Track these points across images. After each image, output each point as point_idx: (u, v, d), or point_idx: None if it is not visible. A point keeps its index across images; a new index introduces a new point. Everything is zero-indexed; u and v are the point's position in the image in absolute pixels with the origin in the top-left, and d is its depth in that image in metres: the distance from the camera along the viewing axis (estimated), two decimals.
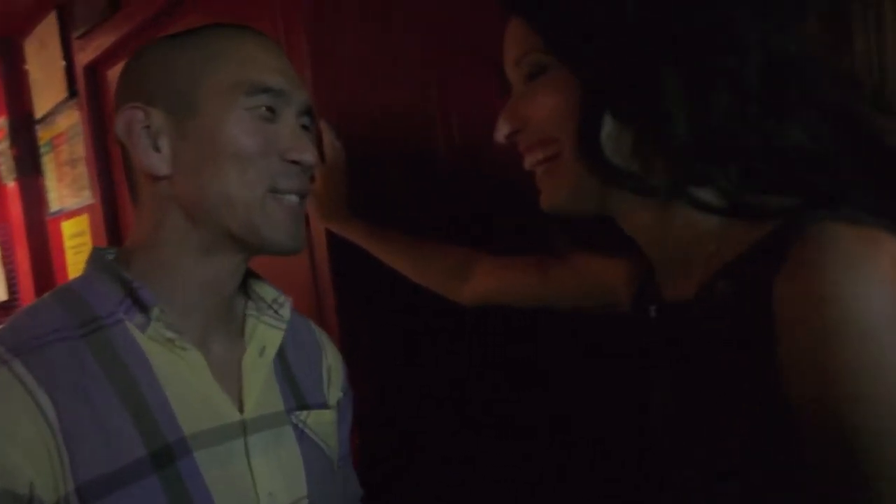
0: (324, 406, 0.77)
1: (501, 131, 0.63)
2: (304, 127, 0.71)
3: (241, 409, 0.67)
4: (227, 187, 0.65)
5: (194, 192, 0.65)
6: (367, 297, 1.07)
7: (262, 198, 0.66)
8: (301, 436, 0.72)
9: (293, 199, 0.68)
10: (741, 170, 0.55)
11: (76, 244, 1.99)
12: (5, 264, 2.36)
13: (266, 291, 0.76)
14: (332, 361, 0.83)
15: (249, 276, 0.76)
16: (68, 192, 2.00)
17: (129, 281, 0.64)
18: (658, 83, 0.54)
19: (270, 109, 0.67)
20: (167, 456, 0.61)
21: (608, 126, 0.56)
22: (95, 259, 0.68)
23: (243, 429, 0.67)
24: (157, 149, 0.65)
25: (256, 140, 0.65)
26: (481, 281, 0.90)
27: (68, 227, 2.03)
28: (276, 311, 0.75)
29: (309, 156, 0.68)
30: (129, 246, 0.69)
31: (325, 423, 0.77)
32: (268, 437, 0.69)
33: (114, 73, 1.71)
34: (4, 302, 2.36)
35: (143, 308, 0.64)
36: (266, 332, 0.73)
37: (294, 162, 0.67)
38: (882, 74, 0.79)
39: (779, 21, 0.57)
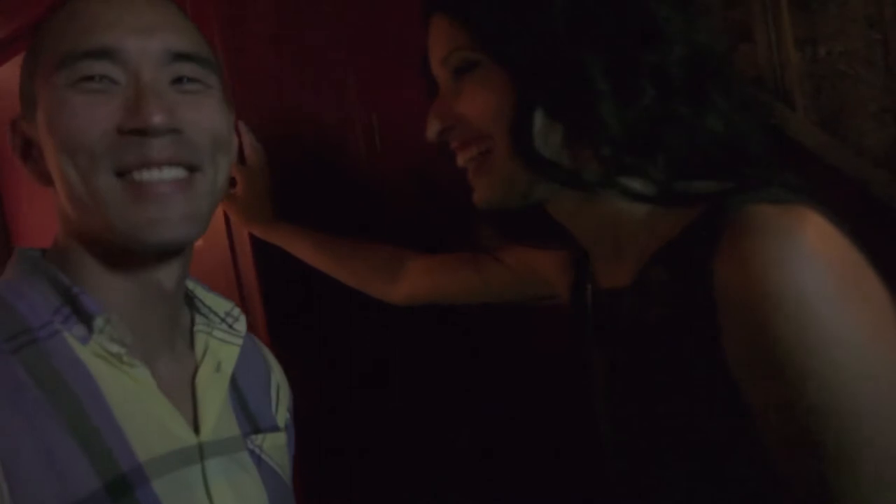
0: (275, 429, 0.72)
1: (432, 129, 0.63)
2: (181, 80, 0.58)
3: (196, 431, 0.61)
4: (69, 185, 0.56)
5: (62, 202, 0.58)
6: (298, 304, 1.04)
7: (112, 188, 0.55)
8: (259, 462, 0.66)
9: (149, 175, 0.55)
10: (667, 159, 0.58)
11: None
12: None
13: (217, 304, 0.69)
14: (279, 380, 0.77)
15: (196, 287, 0.70)
16: None
17: (69, 286, 0.57)
18: (586, 78, 0.56)
19: (98, 78, 0.55)
20: (124, 486, 0.54)
21: (539, 121, 0.58)
22: (23, 260, 0.60)
23: (200, 453, 0.60)
24: (33, 157, 0.59)
25: (80, 120, 0.54)
26: (414, 281, 0.91)
27: None
28: (229, 325, 0.69)
29: (152, 117, 0.54)
30: (57, 247, 0.61)
31: (278, 447, 0.71)
32: (226, 462, 0.62)
33: None
34: None
35: (85, 318, 0.56)
36: (220, 348, 0.67)
37: (134, 132, 0.54)
38: (781, 65, 0.86)
39: (696, 15, 0.60)
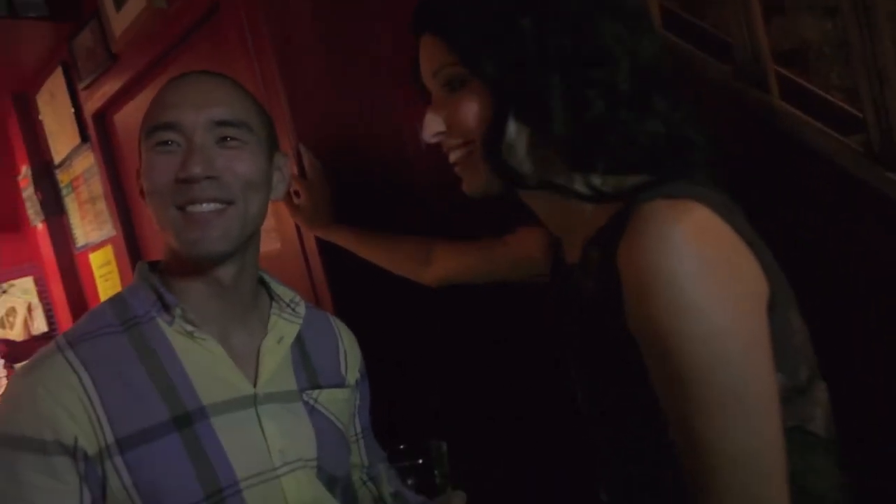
0: (339, 385, 0.92)
1: (429, 132, 0.75)
2: (225, 139, 0.80)
3: (254, 384, 0.83)
4: (154, 217, 0.81)
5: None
6: (361, 293, 1.25)
7: (175, 218, 0.78)
8: (311, 411, 0.87)
9: (196, 208, 0.78)
10: (610, 158, 0.69)
11: (105, 273, 2.21)
12: (42, 299, 2.58)
13: (284, 293, 0.91)
14: (347, 347, 0.97)
15: (272, 280, 0.92)
16: (91, 227, 2.21)
17: (158, 287, 0.83)
18: (547, 93, 0.67)
19: (168, 143, 0.78)
20: (186, 419, 0.77)
21: (511, 128, 0.70)
22: (139, 272, 0.87)
23: (254, 399, 0.82)
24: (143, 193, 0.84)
25: (156, 172, 0.79)
26: (441, 264, 1.09)
27: (96, 259, 2.24)
28: (293, 309, 0.90)
29: (193, 170, 0.76)
30: (161, 261, 0.88)
31: (337, 401, 0.91)
32: (277, 409, 0.83)
33: (120, 117, 1.91)
34: (45, 333, 2.59)
35: (168, 308, 0.81)
36: (284, 326, 0.88)
37: (182, 180, 0.77)
38: (755, 51, 0.94)
39: (642, 32, 0.71)
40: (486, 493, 0.89)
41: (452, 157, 0.77)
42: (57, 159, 2.29)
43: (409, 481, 0.76)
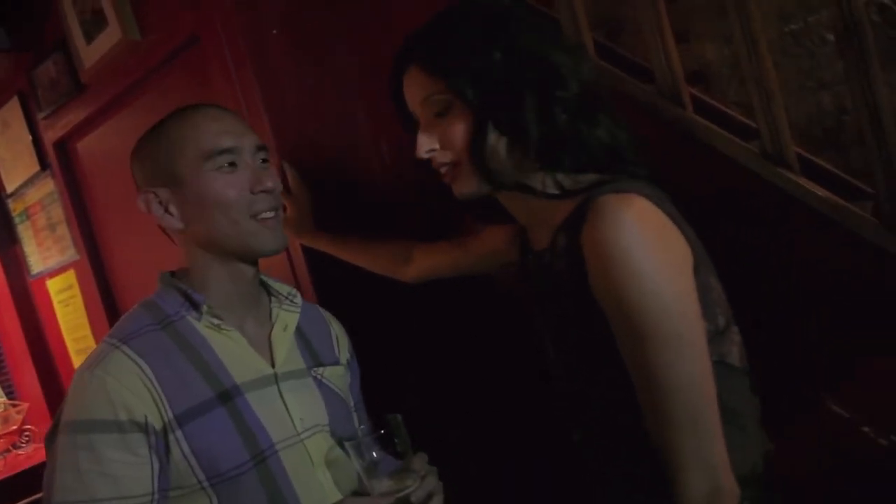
0: (336, 363, 1.08)
1: (422, 150, 0.90)
2: (263, 160, 0.98)
3: (273, 366, 0.98)
4: (222, 227, 0.94)
5: (203, 235, 0.96)
6: (342, 291, 1.39)
7: (248, 224, 0.94)
8: (319, 384, 1.02)
9: (268, 215, 0.95)
10: (571, 160, 0.87)
11: (64, 298, 2.24)
12: None
13: (281, 288, 1.06)
14: (337, 332, 1.13)
15: (268, 279, 1.06)
16: (51, 253, 2.24)
17: (185, 289, 0.97)
18: (521, 109, 0.84)
19: (231, 164, 0.94)
20: (227, 395, 0.92)
21: (491, 138, 0.86)
22: (162, 279, 1.00)
23: (276, 378, 0.97)
24: (170, 213, 0.96)
25: (227, 188, 0.93)
26: (419, 262, 1.25)
27: (54, 285, 2.27)
28: (291, 301, 1.05)
29: (271, 182, 0.95)
30: (182, 267, 1.01)
31: (337, 376, 1.06)
32: (294, 384, 0.98)
33: (83, 145, 1.98)
34: None
35: (196, 306, 0.95)
36: (285, 315, 1.03)
37: (263, 191, 0.94)
38: (672, 74, 1.17)
39: (581, 60, 0.91)
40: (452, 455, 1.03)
41: (443, 169, 0.92)
42: (9, 188, 2.31)
43: (374, 453, 0.90)
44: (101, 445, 0.85)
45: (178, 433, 0.87)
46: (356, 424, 1.10)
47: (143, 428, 0.86)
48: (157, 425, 0.87)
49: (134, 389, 0.87)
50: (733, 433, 0.82)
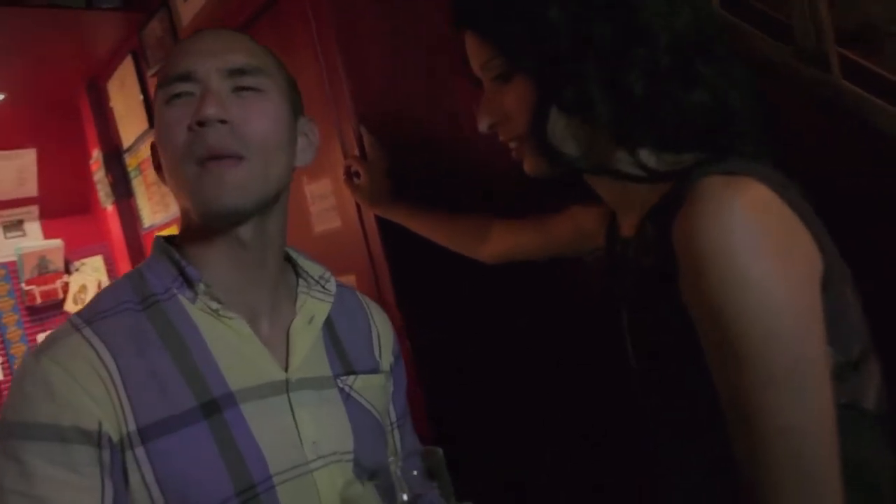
0: (373, 371, 0.84)
1: (483, 123, 0.78)
2: (241, 88, 0.72)
3: (286, 369, 0.75)
4: (170, 179, 0.73)
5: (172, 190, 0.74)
6: (419, 270, 1.28)
7: (194, 175, 0.69)
8: (347, 398, 0.79)
9: (204, 155, 0.69)
10: (658, 134, 0.70)
11: None
12: (111, 277, 2.72)
13: (313, 269, 0.83)
14: (380, 329, 0.89)
15: (298, 256, 0.84)
16: (157, 208, 2.32)
17: (179, 261, 0.74)
18: (586, 82, 0.69)
19: (177, 95, 0.70)
20: (214, 406, 0.69)
21: (553, 115, 0.72)
22: (156, 245, 0.78)
23: (286, 386, 0.74)
24: (159, 166, 0.76)
25: (165, 127, 0.70)
26: (498, 241, 1.12)
27: None
28: (322, 286, 0.82)
29: (206, 111, 0.68)
30: (178, 234, 0.80)
31: (373, 387, 0.82)
32: (311, 395, 0.75)
33: None
34: None
35: (190, 283, 0.73)
36: (314, 305, 0.80)
37: (198, 123, 0.68)
38: (817, 32, 0.94)
39: (681, 3, 0.70)
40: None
41: (511, 144, 0.79)
42: (126, 144, 2.41)
43: (406, 496, 0.68)
44: (33, 457, 0.63)
45: (141, 451, 0.65)
46: (394, 446, 0.87)
47: (94, 439, 0.64)
48: (114, 437, 0.65)
49: (87, 386, 0.65)
50: (858, 497, 0.63)
